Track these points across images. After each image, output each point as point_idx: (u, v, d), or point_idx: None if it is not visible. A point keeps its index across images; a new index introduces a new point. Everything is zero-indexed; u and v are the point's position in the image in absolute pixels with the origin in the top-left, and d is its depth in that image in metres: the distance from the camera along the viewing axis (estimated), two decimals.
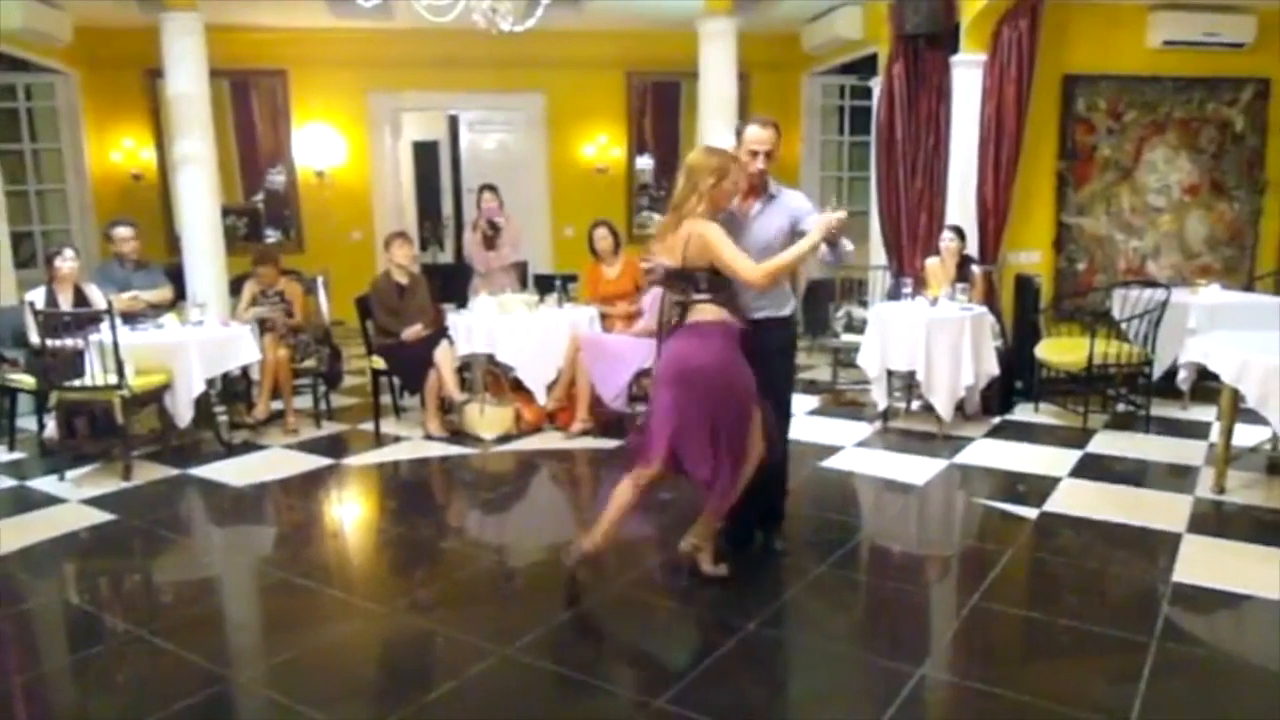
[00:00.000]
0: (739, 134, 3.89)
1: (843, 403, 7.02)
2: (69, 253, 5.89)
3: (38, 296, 5.70)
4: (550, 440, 6.08)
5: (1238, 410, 4.76)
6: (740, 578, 4.04)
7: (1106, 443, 5.79)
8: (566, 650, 3.36)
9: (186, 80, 7.20)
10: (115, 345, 5.17)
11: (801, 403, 6.18)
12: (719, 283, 3.55)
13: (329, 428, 6.47)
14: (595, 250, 6.76)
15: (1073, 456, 5.50)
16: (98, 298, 5.84)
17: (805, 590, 3.80)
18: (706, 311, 3.55)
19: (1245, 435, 5.18)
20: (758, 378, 3.63)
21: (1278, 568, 3.91)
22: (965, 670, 3.32)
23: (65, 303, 5.76)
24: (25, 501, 5.01)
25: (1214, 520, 4.52)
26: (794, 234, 3.73)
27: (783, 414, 3.94)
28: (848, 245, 3.71)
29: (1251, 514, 4.60)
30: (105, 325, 5.22)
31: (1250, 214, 7.25)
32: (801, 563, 4.02)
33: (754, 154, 3.75)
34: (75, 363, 5.35)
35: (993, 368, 6.07)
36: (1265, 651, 3.40)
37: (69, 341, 5.34)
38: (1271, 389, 4.41)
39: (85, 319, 5.40)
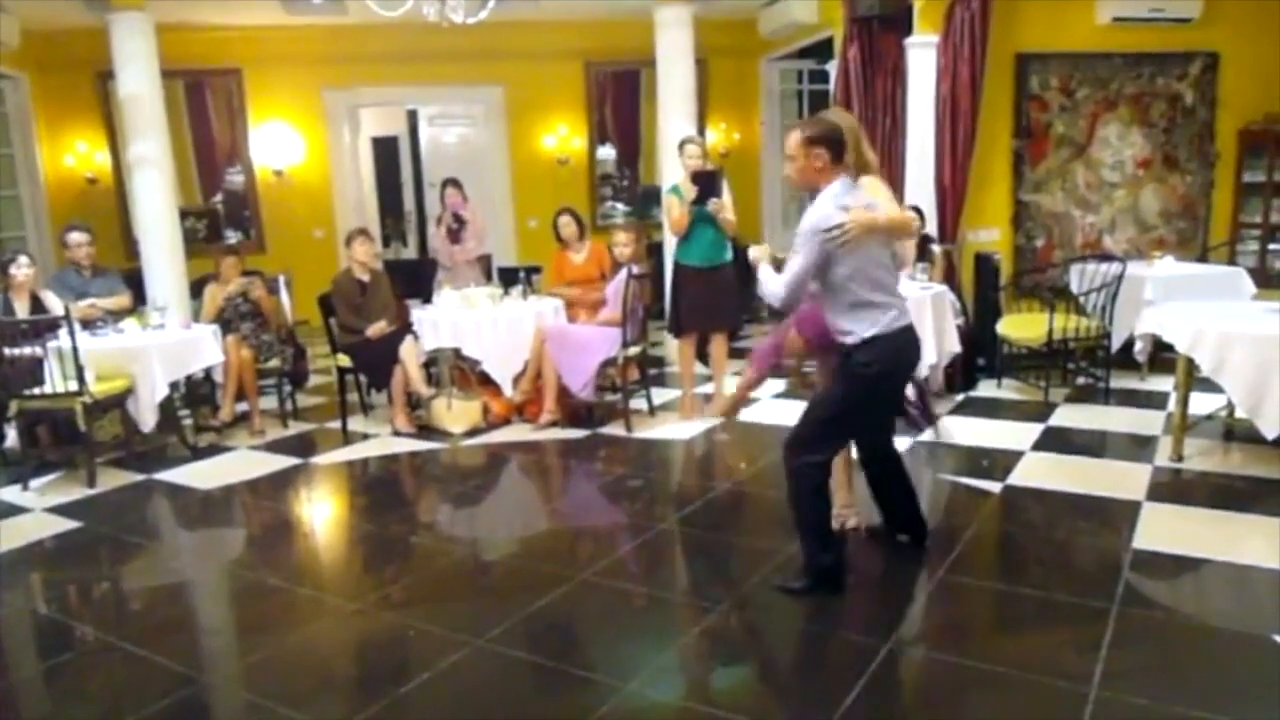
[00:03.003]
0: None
1: (808, 385, 7.05)
2: (24, 260, 5.80)
3: None
4: (519, 432, 6.08)
5: (1193, 379, 4.86)
6: (710, 564, 4.10)
7: (1068, 415, 5.88)
8: (539, 640, 3.38)
9: (138, 81, 7.09)
10: (75, 352, 5.11)
11: (770, 386, 6.22)
12: None
13: (296, 427, 6.43)
14: (560, 237, 6.81)
15: (1035, 430, 5.58)
16: (55, 304, 5.75)
17: (775, 569, 3.81)
18: None
19: (1201, 403, 5.27)
20: None
21: (1234, 532, 4.02)
22: (933, 642, 3.38)
23: (22, 311, 5.67)
24: None
25: (1172, 488, 4.61)
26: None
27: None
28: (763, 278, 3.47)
29: (1208, 480, 4.70)
30: (64, 332, 5.16)
31: (1202, 186, 7.36)
32: (773, 544, 4.04)
33: None
34: (35, 371, 5.30)
35: (955, 345, 6.14)
36: (1221, 612, 3.52)
37: (27, 350, 5.28)
38: (1224, 357, 4.51)
39: (43, 326, 5.33)
